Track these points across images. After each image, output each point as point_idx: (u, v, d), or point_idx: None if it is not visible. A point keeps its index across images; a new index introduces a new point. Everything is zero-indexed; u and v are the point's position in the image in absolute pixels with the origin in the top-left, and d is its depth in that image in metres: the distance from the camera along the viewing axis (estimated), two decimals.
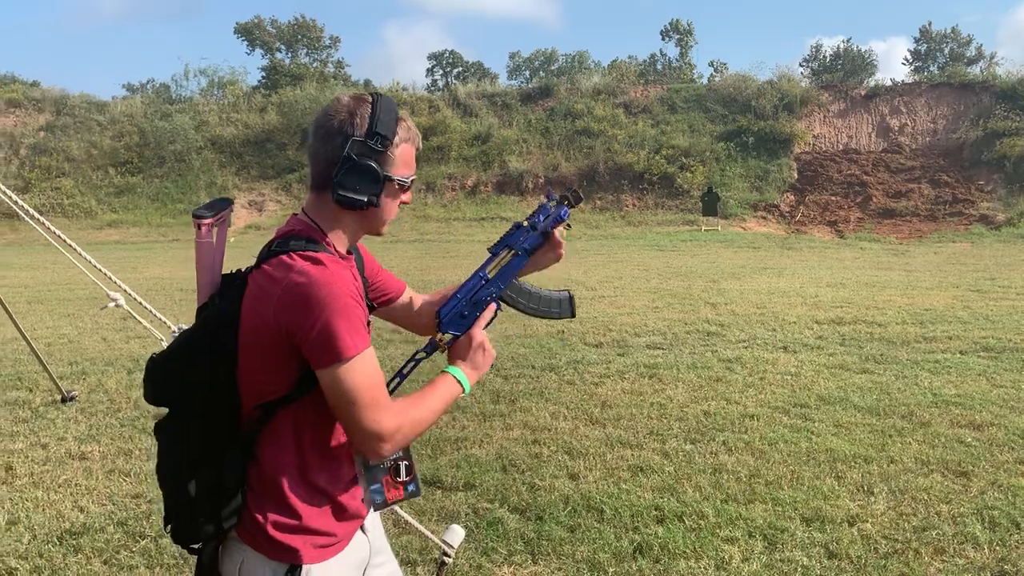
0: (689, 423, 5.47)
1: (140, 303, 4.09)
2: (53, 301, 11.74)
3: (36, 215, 4.13)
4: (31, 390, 6.49)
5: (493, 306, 1.88)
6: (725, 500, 4.16)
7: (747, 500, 4.16)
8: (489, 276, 1.90)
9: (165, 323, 4.20)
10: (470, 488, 4.37)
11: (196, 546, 1.68)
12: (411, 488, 1.92)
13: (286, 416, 1.64)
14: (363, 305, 1.64)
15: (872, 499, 4.16)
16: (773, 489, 4.29)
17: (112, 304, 4.76)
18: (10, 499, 4.30)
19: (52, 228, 4.14)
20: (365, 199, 1.64)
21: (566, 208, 1.94)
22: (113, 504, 4.22)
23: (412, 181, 1.75)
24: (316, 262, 1.57)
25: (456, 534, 2.78)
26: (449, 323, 1.85)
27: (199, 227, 1.78)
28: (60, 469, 4.75)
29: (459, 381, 1.76)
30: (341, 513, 1.73)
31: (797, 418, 5.58)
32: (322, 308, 1.53)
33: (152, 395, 1.69)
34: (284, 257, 1.60)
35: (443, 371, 1.78)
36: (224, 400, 1.63)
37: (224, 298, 1.68)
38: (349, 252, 1.76)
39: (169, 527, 1.69)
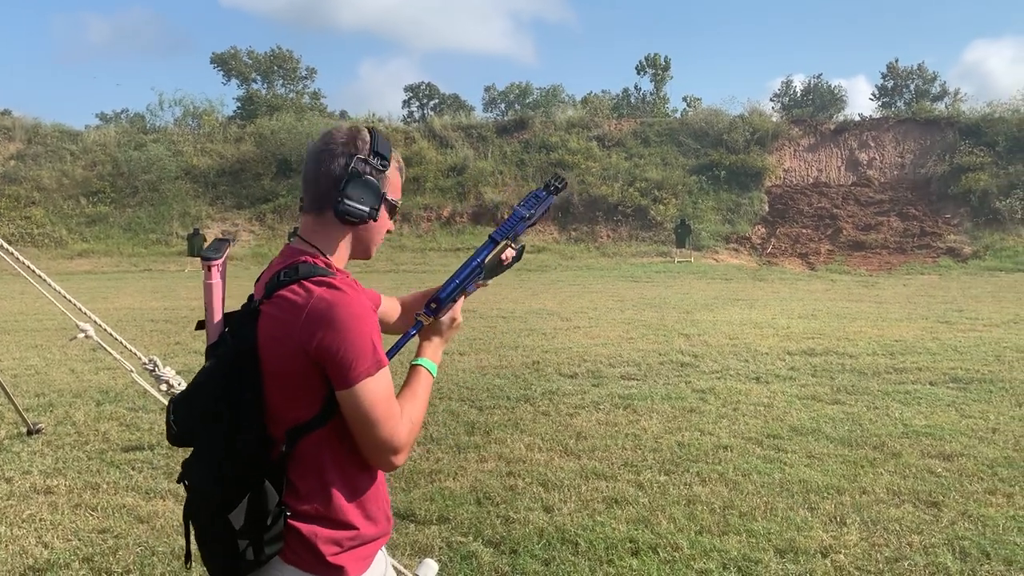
0: (663, 454, 5.48)
1: (110, 334, 4.05)
2: (20, 332, 11.54)
3: (3, 244, 4.09)
4: None
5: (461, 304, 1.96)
6: (699, 532, 4.15)
7: (721, 531, 4.16)
8: (484, 263, 1.97)
9: (136, 354, 4.15)
10: (444, 521, 4.33)
11: None
12: None
13: (320, 436, 1.65)
14: (377, 323, 1.69)
15: (845, 530, 4.17)
16: (747, 520, 4.29)
17: (81, 335, 4.68)
18: None
19: (20, 257, 4.09)
20: (367, 210, 1.72)
21: (552, 196, 2.05)
22: (79, 540, 4.13)
23: (398, 206, 1.85)
24: (333, 287, 1.62)
25: (429, 568, 2.75)
26: (445, 305, 1.91)
27: (208, 269, 1.78)
28: (24, 504, 4.64)
29: (429, 371, 1.83)
30: (378, 525, 1.75)
31: (770, 449, 5.60)
32: (346, 330, 1.58)
33: (177, 436, 1.69)
34: (298, 286, 1.63)
35: (413, 364, 1.83)
36: (253, 431, 1.63)
37: (238, 332, 1.69)
38: None
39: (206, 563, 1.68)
